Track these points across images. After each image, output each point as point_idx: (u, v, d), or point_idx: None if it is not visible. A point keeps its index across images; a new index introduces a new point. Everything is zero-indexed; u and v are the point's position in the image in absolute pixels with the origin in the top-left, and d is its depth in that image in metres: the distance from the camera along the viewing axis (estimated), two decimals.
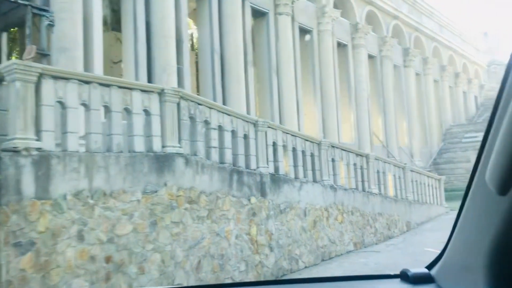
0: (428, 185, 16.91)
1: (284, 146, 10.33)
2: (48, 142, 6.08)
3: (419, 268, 1.43)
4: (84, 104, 6.69)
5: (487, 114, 30.43)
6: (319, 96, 17.67)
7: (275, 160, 10.02)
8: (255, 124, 9.49)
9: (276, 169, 9.98)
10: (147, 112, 7.46)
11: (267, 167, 9.65)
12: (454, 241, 1.25)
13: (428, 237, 13.59)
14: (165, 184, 7.35)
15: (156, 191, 7.20)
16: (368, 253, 11.78)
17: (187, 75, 11.90)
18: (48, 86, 6.19)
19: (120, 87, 7.07)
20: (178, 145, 7.76)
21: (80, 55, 9.23)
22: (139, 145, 7.20)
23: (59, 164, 6.14)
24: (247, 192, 8.95)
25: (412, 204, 15.49)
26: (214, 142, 8.49)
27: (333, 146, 12.00)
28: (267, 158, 9.75)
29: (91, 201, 6.39)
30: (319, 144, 11.41)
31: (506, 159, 0.84)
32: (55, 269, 5.79)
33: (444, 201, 18.05)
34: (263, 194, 9.33)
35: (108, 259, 6.44)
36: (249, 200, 8.93)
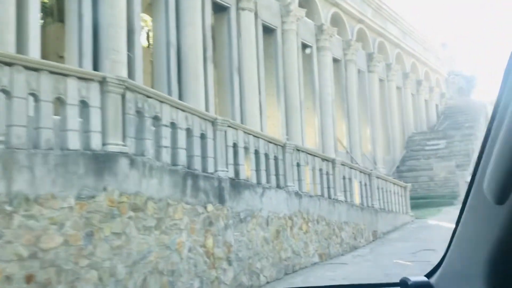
0: (394, 193, 16.29)
1: (246, 148, 9.37)
2: None
3: (418, 277, 1.41)
4: (4, 91, 5.53)
5: (448, 123, 30.43)
6: (282, 98, 16.81)
7: (236, 163, 9.04)
8: (213, 123, 8.48)
9: (237, 173, 9.00)
10: (85, 104, 6.34)
11: (227, 171, 8.65)
12: (452, 250, 1.24)
13: (396, 248, 12.90)
14: (105, 189, 6.23)
15: (93, 197, 6.08)
16: (335, 265, 10.93)
17: (139, 68, 10.77)
18: None
19: (51, 72, 5.94)
20: (122, 143, 6.67)
21: (12, 40, 8.00)
22: (74, 142, 6.07)
23: None
24: (203, 198, 7.91)
25: (379, 213, 14.79)
26: (166, 141, 7.43)
27: (298, 150, 11.11)
28: (227, 161, 8.76)
29: (9, 208, 5.22)
30: (283, 146, 10.50)
31: (503, 169, 0.84)
32: None
33: (409, 209, 17.48)
34: (221, 201, 8.31)
35: (29, 279, 5.28)
36: (205, 207, 7.89)
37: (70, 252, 5.73)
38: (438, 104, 33.41)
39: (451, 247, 1.25)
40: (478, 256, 1.06)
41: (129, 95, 6.86)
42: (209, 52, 13.09)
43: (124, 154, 6.59)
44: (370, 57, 23.71)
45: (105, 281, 6.09)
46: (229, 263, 8.30)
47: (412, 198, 18.15)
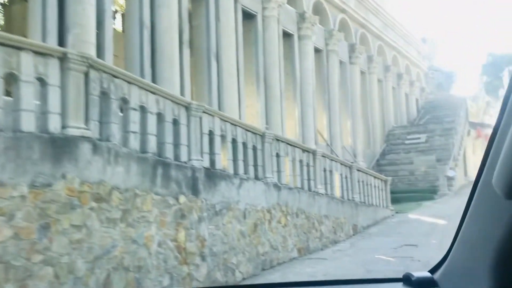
0: (375, 186, 15.93)
1: (223, 136, 8.80)
2: None
3: (422, 272, 1.40)
4: None
5: (428, 117, 30.26)
6: (262, 87, 16.24)
7: (211, 152, 8.46)
8: (187, 108, 7.88)
9: (212, 162, 8.43)
10: (42, 81, 5.69)
11: (201, 160, 8.07)
12: (458, 245, 1.22)
13: (377, 242, 12.52)
14: (64, 176, 5.61)
15: (50, 185, 5.45)
16: (314, 260, 10.47)
17: (109, 50, 10.08)
18: None
19: (1, 44, 5.27)
20: (84, 126, 6.04)
21: None
22: (28, 123, 5.42)
23: None
24: (175, 189, 7.33)
25: (359, 206, 14.41)
26: (134, 126, 6.81)
27: (277, 139, 10.59)
28: (202, 150, 8.18)
29: None
30: (262, 136, 9.96)
31: None
32: None
33: (390, 203, 17.15)
34: (195, 192, 7.74)
35: None
36: (177, 199, 7.31)
37: (21, 247, 5.10)
38: (418, 98, 33.26)
39: (456, 242, 1.22)
40: (484, 251, 1.04)
41: (93, 74, 6.22)
42: (186, 36, 12.43)
43: (87, 138, 5.97)
44: (352, 48, 23.29)
45: (62, 278, 5.48)
46: (203, 258, 7.75)
47: (392, 192, 17.83)
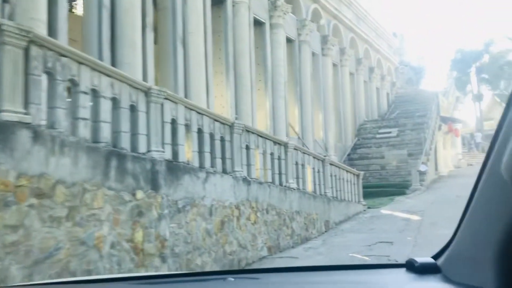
0: (347, 181, 15.44)
1: (187, 126, 8.05)
2: None
3: (425, 258, 1.39)
4: None
5: (399, 111, 30.10)
6: (232, 77, 15.49)
7: (174, 143, 7.72)
8: (147, 93, 7.10)
9: (175, 154, 7.68)
10: None
11: (162, 152, 7.31)
12: (462, 231, 1.21)
13: (350, 239, 11.99)
14: None
15: None
16: (285, 259, 9.85)
17: (63, 30, 9.18)
18: None
19: None
20: (23, 110, 5.21)
21: None
22: None
23: None
24: (132, 183, 6.55)
25: (331, 201, 13.88)
26: (84, 112, 6.00)
27: (248, 130, 9.89)
28: (163, 140, 7.42)
29: None
30: (231, 126, 9.25)
31: None
32: None
33: (362, 198, 16.71)
34: (154, 187, 6.98)
35: None
36: (133, 194, 6.54)
37: None
38: (389, 92, 33.09)
39: (461, 228, 1.20)
40: (489, 238, 1.03)
41: (35, 50, 5.39)
42: (149, 19, 11.56)
43: (25, 124, 5.14)
44: (324, 39, 22.74)
45: None
46: (163, 260, 7.01)
47: (363, 187, 17.40)
